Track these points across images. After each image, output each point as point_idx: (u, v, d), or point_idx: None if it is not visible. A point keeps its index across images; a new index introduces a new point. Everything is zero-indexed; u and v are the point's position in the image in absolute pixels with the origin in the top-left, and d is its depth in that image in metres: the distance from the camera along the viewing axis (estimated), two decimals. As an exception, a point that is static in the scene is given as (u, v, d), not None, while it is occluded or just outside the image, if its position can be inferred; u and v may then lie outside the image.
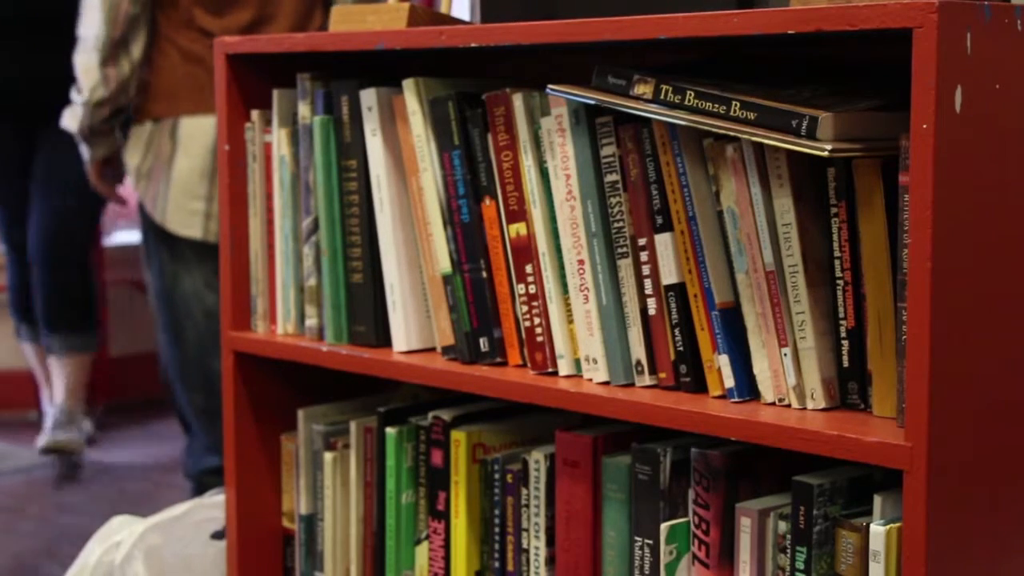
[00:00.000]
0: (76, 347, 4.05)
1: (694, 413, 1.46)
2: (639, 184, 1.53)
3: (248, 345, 1.93)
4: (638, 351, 1.56)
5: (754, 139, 1.40)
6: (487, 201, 1.67)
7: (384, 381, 1.93)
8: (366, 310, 1.81)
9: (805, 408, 1.44)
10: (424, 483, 1.79)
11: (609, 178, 1.55)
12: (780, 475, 1.48)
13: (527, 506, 1.68)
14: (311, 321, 1.87)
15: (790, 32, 1.35)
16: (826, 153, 1.34)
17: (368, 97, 1.77)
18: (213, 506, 2.20)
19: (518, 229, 1.64)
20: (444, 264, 1.72)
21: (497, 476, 1.71)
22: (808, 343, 1.43)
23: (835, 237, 1.42)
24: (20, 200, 4.00)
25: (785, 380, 1.45)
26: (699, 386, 1.52)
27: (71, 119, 2.83)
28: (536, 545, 1.68)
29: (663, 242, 1.52)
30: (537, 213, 1.62)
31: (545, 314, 1.63)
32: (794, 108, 1.37)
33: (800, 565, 1.41)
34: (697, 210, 1.48)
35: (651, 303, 1.54)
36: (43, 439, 3.93)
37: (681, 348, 1.53)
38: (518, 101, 1.62)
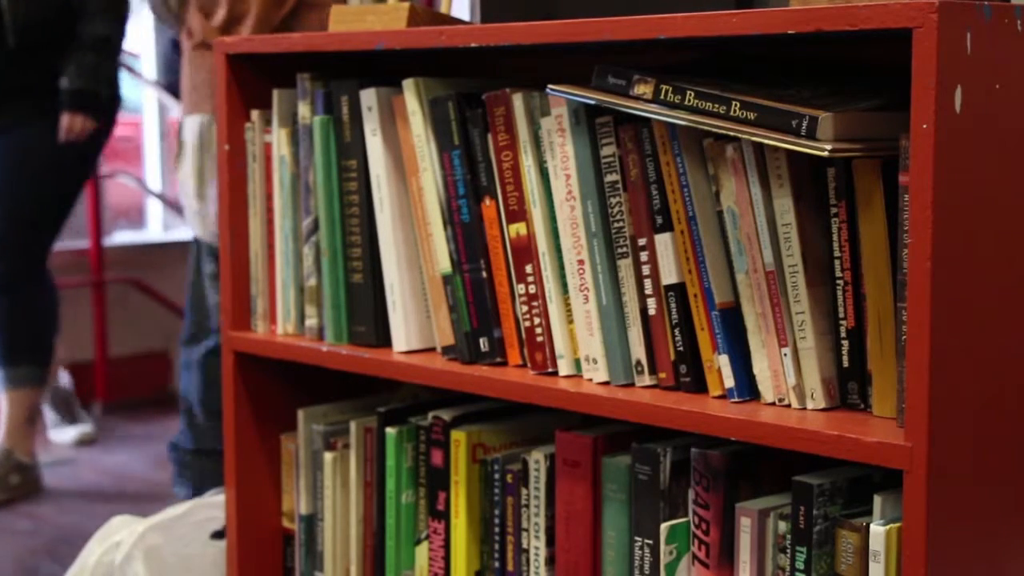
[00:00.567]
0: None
1: (694, 413, 1.46)
2: (639, 184, 1.53)
3: (248, 345, 1.93)
4: (638, 351, 1.56)
5: (754, 139, 1.40)
6: (487, 201, 1.67)
7: (384, 381, 1.93)
8: (366, 310, 1.81)
9: (805, 408, 1.44)
10: (424, 483, 1.79)
11: (609, 178, 1.55)
12: (780, 475, 1.48)
13: (527, 506, 1.68)
14: (311, 321, 1.87)
15: (790, 32, 1.35)
16: (826, 153, 1.34)
17: (368, 97, 1.77)
18: (213, 506, 2.20)
19: (518, 229, 1.64)
20: (444, 264, 1.72)
21: (497, 476, 1.71)
22: (808, 343, 1.43)
23: (835, 237, 1.42)
24: None
25: (785, 380, 1.45)
26: (699, 386, 1.52)
27: None
28: (536, 545, 1.68)
29: (663, 242, 1.52)
30: (537, 213, 1.62)
31: (545, 314, 1.63)
32: (794, 108, 1.37)
33: (800, 565, 1.41)
34: (697, 210, 1.48)
35: (651, 303, 1.54)
36: None
37: (681, 348, 1.53)
38: (518, 101, 1.62)
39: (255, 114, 1.92)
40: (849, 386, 1.44)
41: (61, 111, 3.49)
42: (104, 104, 3.58)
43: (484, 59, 1.89)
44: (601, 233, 1.57)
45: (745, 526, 1.46)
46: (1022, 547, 1.40)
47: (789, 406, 1.45)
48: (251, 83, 1.93)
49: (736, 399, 1.48)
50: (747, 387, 1.48)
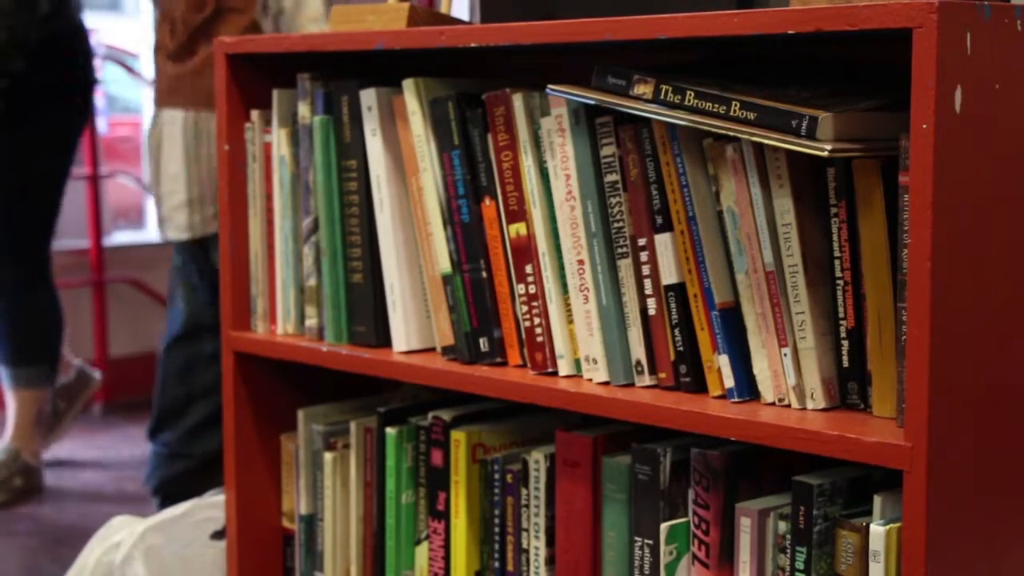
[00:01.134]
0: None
1: (694, 413, 1.46)
2: (639, 184, 1.53)
3: (248, 345, 1.93)
4: (638, 351, 1.56)
5: (754, 139, 1.40)
6: (487, 201, 1.67)
7: (384, 381, 1.93)
8: (366, 310, 1.81)
9: (805, 408, 1.44)
10: (424, 483, 1.79)
11: (609, 178, 1.55)
12: (780, 475, 1.48)
13: (527, 506, 1.68)
14: (311, 321, 1.87)
15: (790, 32, 1.35)
16: (826, 153, 1.34)
17: (368, 97, 1.77)
18: (213, 506, 2.20)
19: (518, 229, 1.64)
20: (444, 264, 1.72)
21: (497, 476, 1.71)
22: (808, 343, 1.43)
23: (835, 237, 1.42)
24: None
25: (785, 380, 1.45)
26: (699, 386, 1.52)
27: None
28: (536, 545, 1.68)
29: (663, 242, 1.52)
30: (537, 213, 1.62)
31: (545, 314, 1.63)
32: (794, 108, 1.37)
33: (800, 565, 1.41)
34: (697, 210, 1.48)
35: (651, 303, 1.54)
36: None
37: (681, 348, 1.53)
38: (518, 101, 1.61)
39: (255, 114, 1.92)
40: (849, 386, 1.44)
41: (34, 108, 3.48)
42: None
43: (484, 59, 1.89)
44: (601, 233, 1.57)
45: (745, 526, 1.46)
46: (1022, 547, 1.40)
47: (789, 406, 1.45)
48: (251, 83, 1.93)
49: (736, 399, 1.48)
50: (747, 387, 1.48)
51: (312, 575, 1.94)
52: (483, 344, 1.69)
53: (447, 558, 1.76)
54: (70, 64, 3.51)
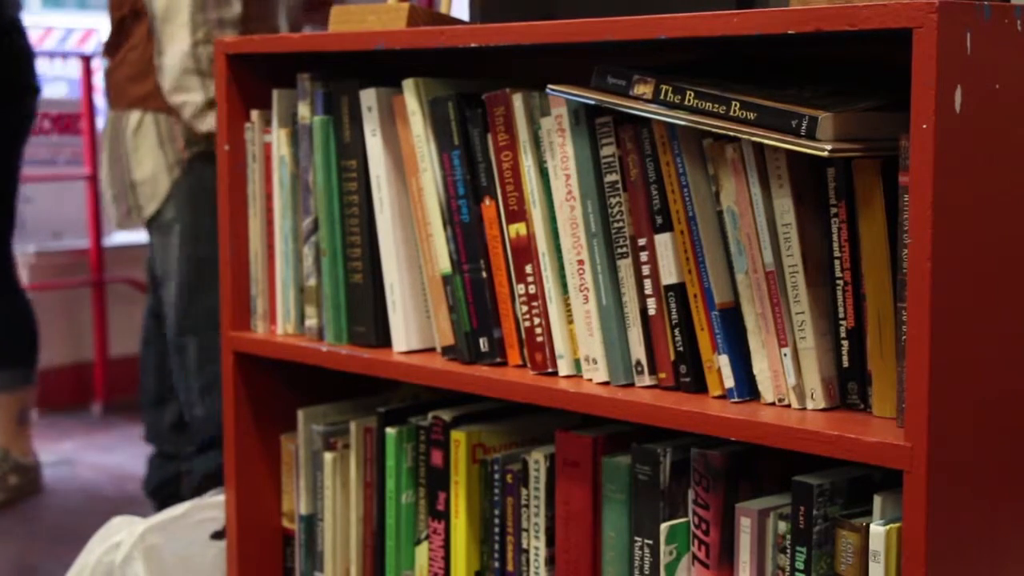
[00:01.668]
0: None
1: (694, 413, 1.46)
2: (639, 184, 1.53)
3: (248, 345, 1.93)
4: (638, 351, 1.56)
5: (754, 139, 1.40)
6: (487, 201, 1.67)
7: (384, 381, 1.93)
8: (366, 310, 1.81)
9: (805, 408, 1.44)
10: (424, 483, 1.79)
11: (609, 178, 1.55)
12: (780, 475, 1.48)
13: (527, 506, 1.68)
14: (311, 321, 1.87)
15: (790, 32, 1.35)
16: (826, 153, 1.34)
17: (368, 97, 1.77)
18: (213, 506, 2.20)
19: (518, 229, 1.64)
20: (444, 264, 1.72)
21: (497, 476, 1.71)
22: (808, 343, 1.43)
23: (835, 237, 1.42)
24: None
25: (785, 380, 1.45)
26: (699, 386, 1.52)
27: None
28: (536, 545, 1.68)
29: (663, 242, 1.52)
30: (537, 213, 1.62)
31: (545, 314, 1.63)
32: (794, 108, 1.37)
33: (800, 565, 1.41)
34: (697, 210, 1.48)
35: (651, 303, 1.54)
36: None
37: (681, 348, 1.53)
38: (518, 101, 1.61)
39: (255, 114, 1.92)
40: (849, 386, 1.44)
41: None
42: None
43: (484, 59, 1.89)
44: (601, 233, 1.57)
45: (745, 526, 1.46)
46: (1022, 547, 1.40)
47: (789, 406, 1.45)
48: (251, 83, 1.93)
49: (736, 399, 1.48)
50: (747, 387, 1.48)
51: (312, 575, 1.94)
52: (483, 344, 1.69)
53: (447, 558, 1.76)
54: (7, 64, 3.53)
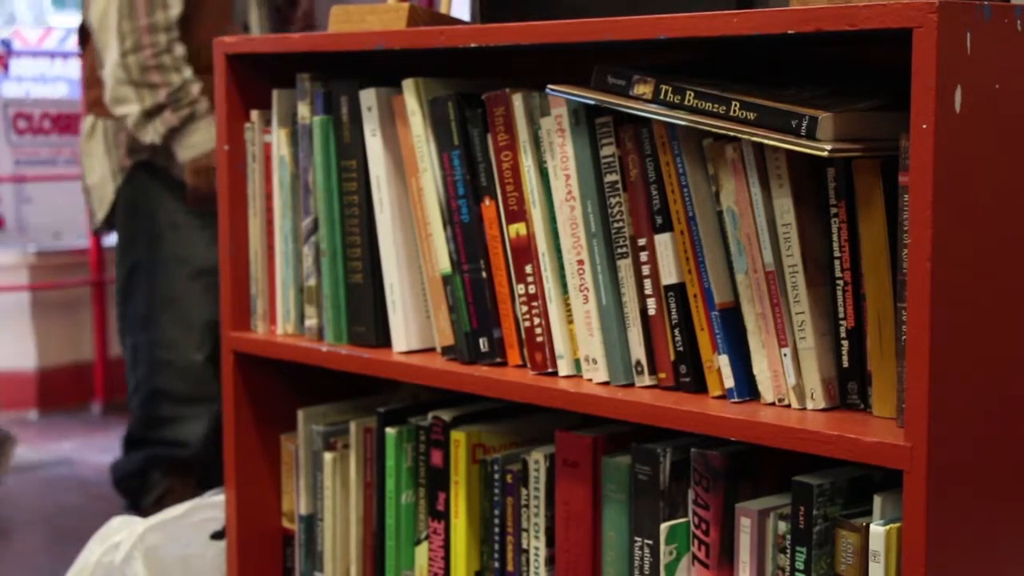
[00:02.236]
0: None
1: (694, 413, 1.46)
2: (639, 184, 1.53)
3: (248, 345, 1.93)
4: (638, 351, 1.56)
5: (754, 139, 1.40)
6: (487, 201, 1.67)
7: (384, 381, 1.93)
8: (366, 310, 1.81)
9: (805, 408, 1.44)
10: (424, 483, 1.79)
11: (609, 178, 1.55)
12: (780, 475, 1.48)
13: (527, 506, 1.68)
14: (311, 321, 1.87)
15: (790, 32, 1.35)
16: (826, 153, 1.34)
17: (368, 97, 1.77)
18: (213, 506, 2.20)
19: (518, 229, 1.64)
20: (444, 264, 1.72)
21: (497, 476, 1.71)
22: (808, 343, 1.43)
23: (835, 237, 1.42)
24: None
25: (785, 380, 1.45)
26: (699, 386, 1.52)
27: None
28: (536, 545, 1.67)
29: (663, 242, 1.52)
30: (537, 213, 1.62)
31: (545, 314, 1.63)
32: (794, 108, 1.37)
33: (800, 565, 1.41)
34: (697, 210, 1.48)
35: (651, 303, 1.54)
36: None
37: (681, 348, 1.53)
38: (518, 101, 1.61)
39: (255, 114, 1.92)
40: (849, 386, 1.44)
41: None
42: None
43: (484, 59, 1.89)
44: (601, 233, 1.57)
45: (745, 526, 1.46)
46: (1022, 547, 1.40)
47: (789, 406, 1.45)
48: (251, 83, 1.93)
49: (736, 399, 1.48)
50: (747, 387, 1.48)
51: (312, 575, 1.94)
52: (483, 344, 1.69)
53: (447, 558, 1.76)
54: None
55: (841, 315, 1.43)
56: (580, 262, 1.58)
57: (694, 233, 1.48)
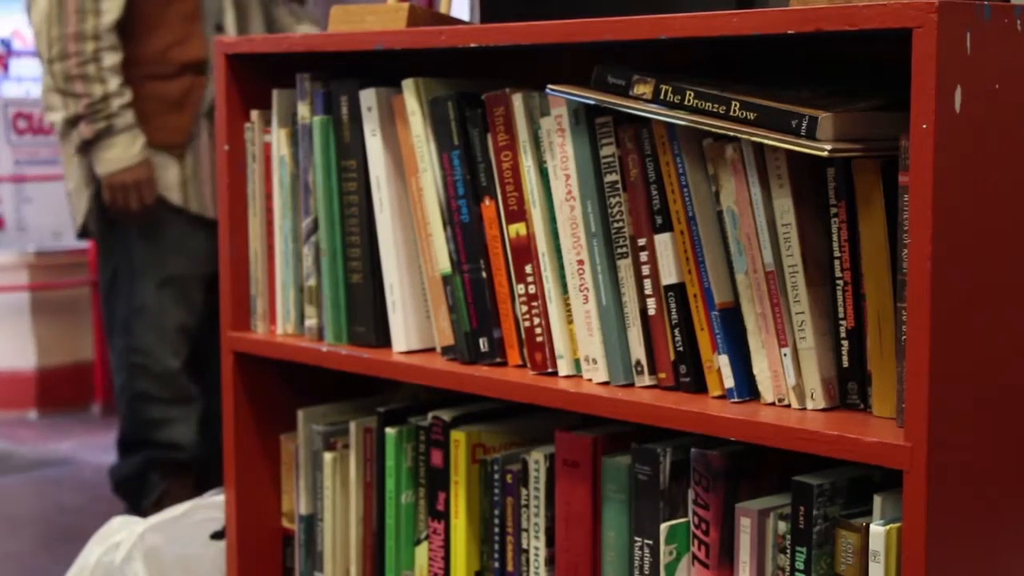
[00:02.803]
0: None
1: (694, 413, 1.46)
2: (639, 184, 1.53)
3: (248, 345, 1.93)
4: (638, 351, 1.56)
5: (754, 139, 1.40)
6: (487, 201, 1.67)
7: (384, 381, 1.93)
8: (366, 310, 1.81)
9: (805, 408, 1.44)
10: (424, 483, 1.79)
11: (609, 178, 1.55)
12: (780, 475, 1.48)
13: (527, 506, 1.68)
14: (311, 321, 1.87)
15: (790, 32, 1.35)
16: (826, 153, 1.34)
17: (368, 97, 1.77)
18: (213, 506, 2.20)
19: (518, 229, 1.64)
20: (444, 264, 1.72)
21: (497, 476, 1.71)
22: (808, 343, 1.43)
23: (835, 237, 1.42)
24: None
25: (785, 380, 1.45)
26: (699, 386, 1.52)
27: None
28: (536, 545, 1.67)
29: (663, 242, 1.52)
30: (537, 213, 1.62)
31: (545, 314, 1.63)
32: (794, 108, 1.37)
33: (800, 565, 1.41)
34: (697, 210, 1.48)
35: (651, 303, 1.54)
36: None
37: (681, 348, 1.53)
38: (518, 101, 1.61)
39: (255, 114, 1.92)
40: (849, 386, 1.44)
41: None
42: None
43: (484, 59, 1.89)
44: (601, 233, 1.57)
45: (745, 526, 1.46)
46: (1022, 547, 1.40)
47: (789, 406, 1.45)
48: (251, 83, 1.93)
49: (736, 399, 1.48)
50: (747, 387, 1.48)
51: (312, 575, 1.94)
52: (483, 344, 1.69)
53: (447, 558, 1.76)
54: None
55: (841, 315, 1.43)
56: (580, 262, 1.58)
57: (694, 233, 1.48)
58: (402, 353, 1.78)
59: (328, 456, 1.90)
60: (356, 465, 1.88)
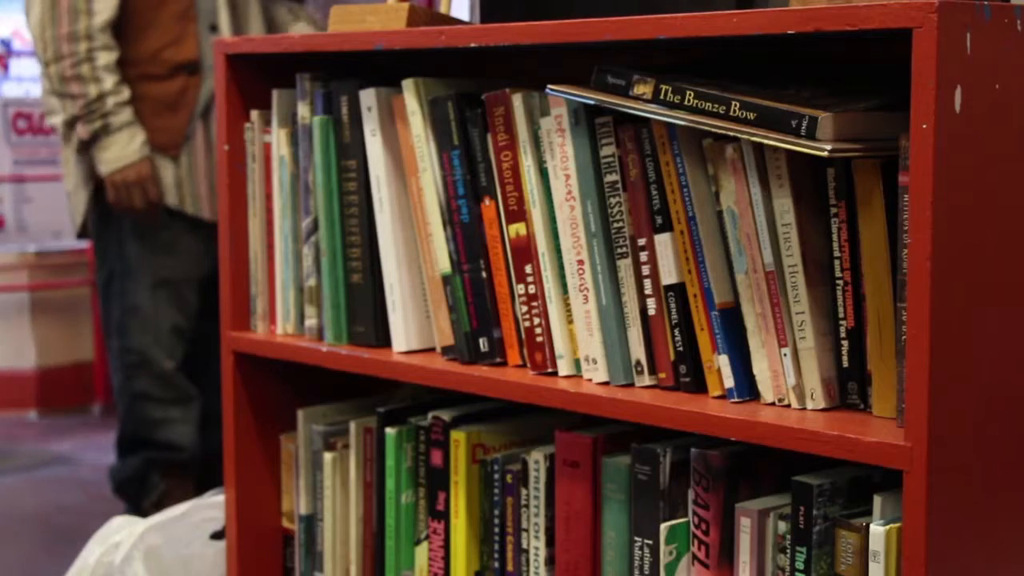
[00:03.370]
0: None
1: (694, 413, 1.46)
2: (639, 184, 1.53)
3: (248, 345, 1.93)
4: (638, 351, 1.56)
5: (754, 139, 1.40)
6: (487, 201, 1.67)
7: (384, 381, 1.93)
8: (366, 310, 1.81)
9: (805, 408, 1.44)
10: (424, 483, 1.79)
11: (609, 178, 1.55)
12: (780, 475, 1.48)
13: (527, 506, 1.68)
14: (311, 321, 1.87)
15: (790, 32, 1.35)
16: (826, 153, 1.34)
17: (368, 97, 1.77)
18: (213, 506, 2.20)
19: (518, 229, 1.64)
20: (444, 264, 1.72)
21: (497, 476, 1.71)
22: (808, 343, 1.43)
23: (835, 237, 1.42)
24: None
25: (785, 380, 1.45)
26: (699, 386, 1.52)
27: None
28: (536, 545, 1.67)
29: (663, 242, 1.52)
30: (537, 213, 1.62)
31: (545, 314, 1.63)
32: (794, 108, 1.37)
33: (800, 565, 1.41)
34: (697, 210, 1.48)
35: (651, 303, 1.54)
36: None
37: (681, 348, 1.53)
38: (518, 101, 1.61)
39: (255, 114, 1.92)
40: (849, 386, 1.44)
41: None
42: None
43: (484, 59, 1.89)
44: (601, 233, 1.57)
45: (745, 526, 1.46)
46: (1022, 547, 1.40)
47: (789, 406, 1.45)
48: (251, 83, 1.93)
49: (736, 399, 1.48)
50: (747, 387, 1.48)
51: (312, 575, 1.94)
52: (483, 344, 1.69)
53: (447, 558, 1.76)
54: None
55: (841, 315, 1.43)
56: (580, 262, 1.58)
57: (694, 233, 1.48)
58: (402, 353, 1.78)
59: (328, 456, 1.90)
60: (356, 465, 1.88)
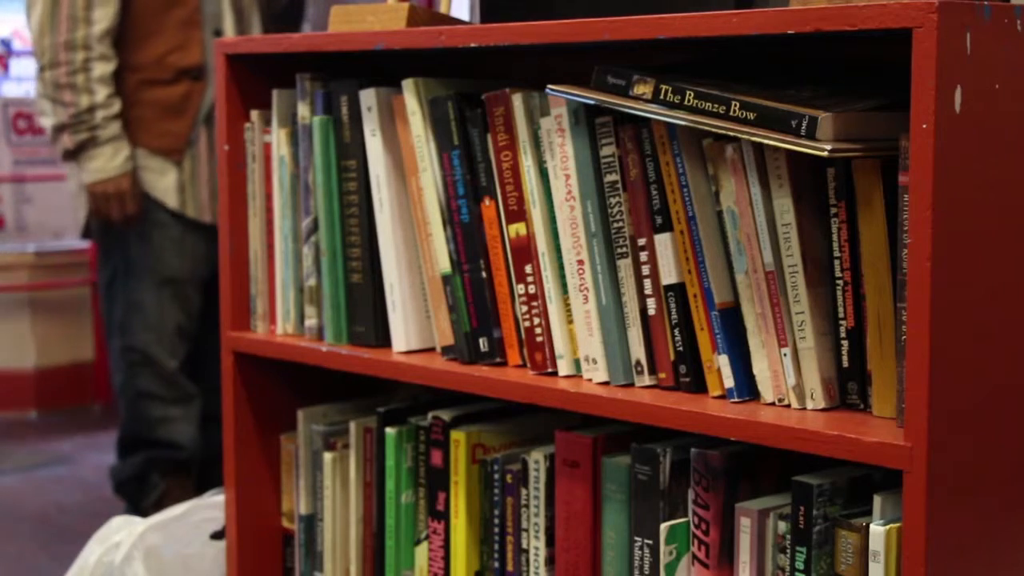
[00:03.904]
0: None
1: (694, 413, 1.46)
2: (639, 184, 1.53)
3: (248, 345, 1.93)
4: (638, 351, 1.56)
5: (754, 139, 1.40)
6: (487, 201, 1.67)
7: (384, 381, 1.93)
8: (366, 310, 1.81)
9: (805, 408, 1.44)
10: (424, 483, 1.79)
11: (609, 178, 1.55)
12: (780, 475, 1.48)
13: (527, 506, 1.68)
14: (311, 321, 1.87)
15: (790, 32, 1.35)
16: (826, 153, 1.34)
17: (367, 97, 1.77)
18: (213, 506, 2.20)
19: (518, 229, 1.64)
20: (444, 264, 1.72)
21: (497, 476, 1.71)
22: (808, 343, 1.43)
23: (835, 237, 1.42)
24: None
25: (785, 380, 1.45)
26: (699, 386, 1.52)
27: None
28: (536, 545, 1.67)
29: (663, 242, 1.52)
30: (537, 213, 1.62)
31: (545, 314, 1.63)
32: (794, 108, 1.37)
33: (800, 565, 1.41)
34: (697, 210, 1.48)
35: (651, 303, 1.54)
36: None
37: (681, 348, 1.53)
38: (518, 101, 1.61)
39: (255, 114, 1.92)
40: (849, 386, 1.44)
41: None
42: None
43: (484, 59, 1.89)
44: (601, 233, 1.57)
45: (745, 526, 1.46)
46: (1022, 547, 1.40)
47: (789, 406, 1.45)
48: (251, 83, 1.93)
49: (736, 399, 1.48)
50: (747, 387, 1.48)
51: (312, 575, 1.94)
52: (483, 344, 1.69)
53: (447, 558, 1.76)
54: None
55: (841, 315, 1.43)
56: (580, 262, 1.58)
57: (694, 233, 1.48)
58: (402, 353, 1.78)
59: (328, 456, 1.90)
60: (356, 465, 1.88)
